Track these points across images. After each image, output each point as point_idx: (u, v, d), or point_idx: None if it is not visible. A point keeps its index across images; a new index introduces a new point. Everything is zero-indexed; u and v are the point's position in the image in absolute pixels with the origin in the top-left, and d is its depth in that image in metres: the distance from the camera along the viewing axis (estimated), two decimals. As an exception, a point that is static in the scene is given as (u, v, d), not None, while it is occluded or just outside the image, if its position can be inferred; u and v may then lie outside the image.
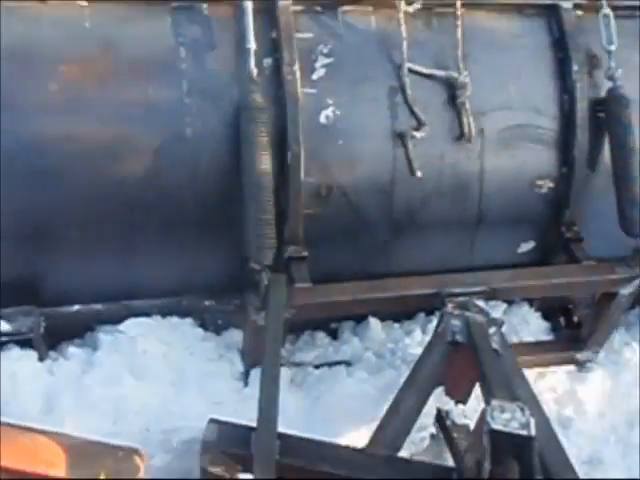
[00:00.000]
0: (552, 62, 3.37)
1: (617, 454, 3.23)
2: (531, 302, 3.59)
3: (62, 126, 2.81)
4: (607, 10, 3.32)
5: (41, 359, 2.88)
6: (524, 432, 2.19)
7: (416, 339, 3.32)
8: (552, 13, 3.39)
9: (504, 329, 2.98)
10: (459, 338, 2.86)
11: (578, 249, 3.37)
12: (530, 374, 3.08)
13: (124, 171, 2.88)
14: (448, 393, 2.94)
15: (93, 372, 2.88)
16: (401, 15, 3.11)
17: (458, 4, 3.17)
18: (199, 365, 3.03)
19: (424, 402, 2.71)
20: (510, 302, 3.53)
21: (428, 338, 3.00)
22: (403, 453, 2.62)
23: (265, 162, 2.84)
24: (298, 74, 3.01)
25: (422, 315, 3.40)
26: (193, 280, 3.13)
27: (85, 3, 2.87)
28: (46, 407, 2.76)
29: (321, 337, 3.36)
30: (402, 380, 2.79)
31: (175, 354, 3.02)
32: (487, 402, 2.47)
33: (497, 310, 3.40)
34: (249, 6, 2.95)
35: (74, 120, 2.83)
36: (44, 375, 2.84)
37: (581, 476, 2.54)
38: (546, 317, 3.61)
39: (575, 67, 3.33)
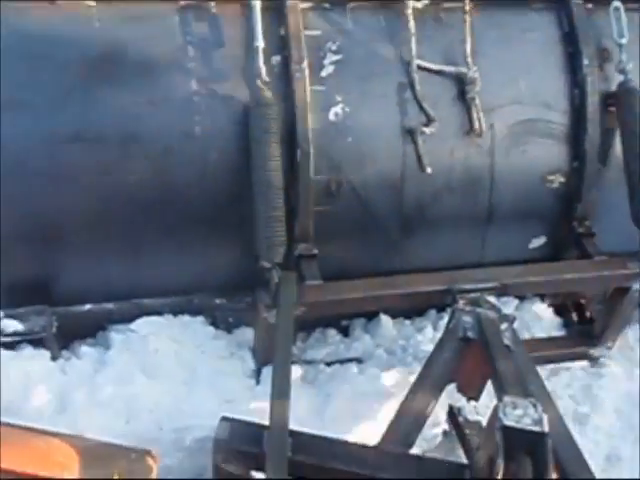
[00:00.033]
0: (562, 56, 3.35)
1: (635, 451, 3.20)
2: (543, 298, 3.57)
3: (72, 126, 2.82)
4: (618, 3, 3.29)
5: (54, 358, 2.89)
6: (537, 428, 2.18)
7: (427, 336, 3.32)
8: (562, 7, 3.37)
9: (516, 325, 2.97)
10: (471, 334, 2.85)
11: (590, 244, 3.36)
12: (544, 370, 3.08)
13: (134, 170, 2.89)
14: (460, 390, 2.93)
15: (105, 371, 2.89)
16: (409, 11, 3.10)
17: (466, -1, 3.16)
18: (211, 363, 3.04)
19: (436, 399, 2.70)
20: (522, 298, 3.52)
21: (439, 335, 2.99)
22: (415, 450, 2.61)
23: (274, 160, 2.84)
24: (307, 71, 3.00)
25: (433, 312, 3.40)
26: (204, 278, 3.13)
27: (93, 3, 2.87)
28: (59, 406, 2.77)
29: (332, 334, 3.36)
30: (414, 377, 2.79)
31: (187, 352, 3.03)
32: (499, 398, 2.46)
33: (509, 306, 3.40)
34: (257, 4, 2.94)
35: (84, 120, 2.83)
36: (57, 374, 2.85)
37: (599, 473, 2.52)
38: (558, 313, 3.60)
39: (585, 61, 3.31)
